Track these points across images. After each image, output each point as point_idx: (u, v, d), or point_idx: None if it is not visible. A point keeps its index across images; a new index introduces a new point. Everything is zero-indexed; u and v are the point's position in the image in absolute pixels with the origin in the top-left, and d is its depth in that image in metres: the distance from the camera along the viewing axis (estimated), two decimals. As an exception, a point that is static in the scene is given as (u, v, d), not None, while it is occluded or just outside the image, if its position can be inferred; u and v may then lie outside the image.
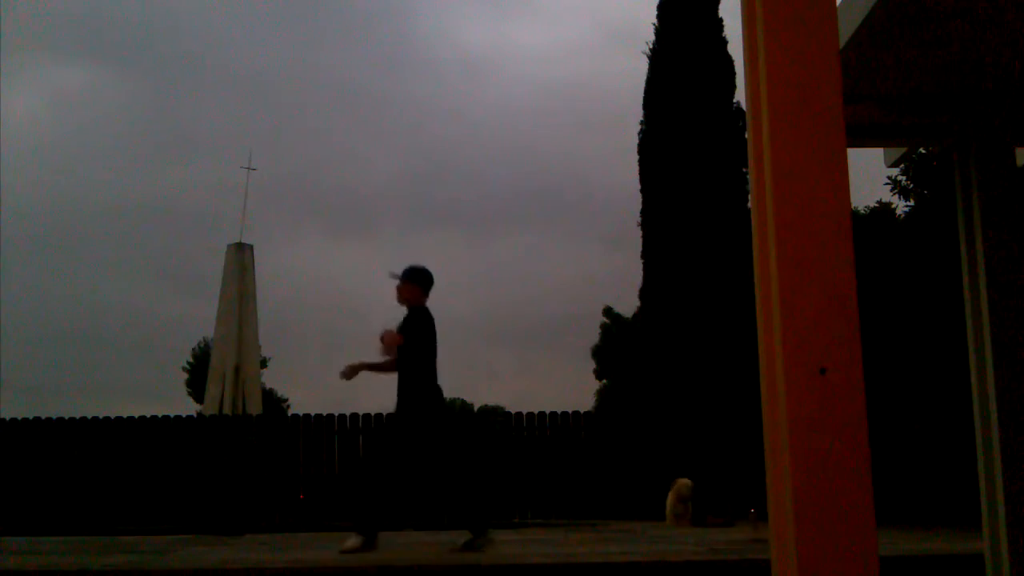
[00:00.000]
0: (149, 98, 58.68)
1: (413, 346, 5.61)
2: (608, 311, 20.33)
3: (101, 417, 12.90)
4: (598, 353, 20.47)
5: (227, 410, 14.76)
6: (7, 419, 12.91)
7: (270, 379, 26.52)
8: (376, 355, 5.72)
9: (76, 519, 11.72)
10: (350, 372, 5.67)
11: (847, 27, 1.73)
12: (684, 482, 9.44)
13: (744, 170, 13.51)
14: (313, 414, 12.81)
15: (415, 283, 5.76)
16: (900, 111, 2.05)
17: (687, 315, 13.15)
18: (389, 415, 5.87)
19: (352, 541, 5.36)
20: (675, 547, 5.79)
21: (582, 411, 13.29)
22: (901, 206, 10.07)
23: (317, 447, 12.71)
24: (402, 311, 5.79)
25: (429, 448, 5.61)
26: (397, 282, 5.77)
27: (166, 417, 13.06)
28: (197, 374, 25.61)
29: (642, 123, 14.63)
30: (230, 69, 65.05)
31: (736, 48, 13.93)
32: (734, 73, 14.33)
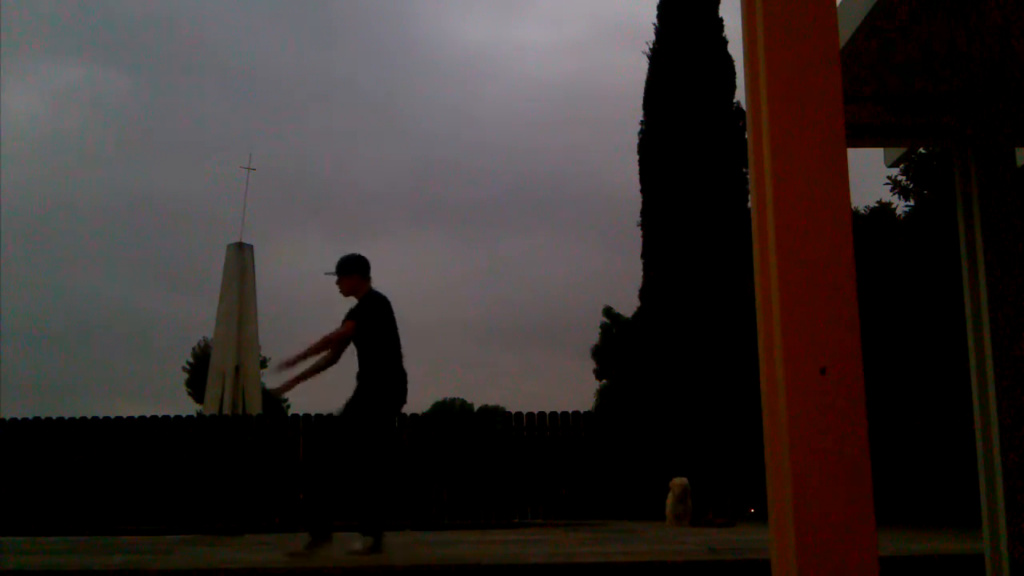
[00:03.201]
0: (149, 97, 58.72)
1: (370, 331, 5.48)
2: (608, 311, 20.32)
3: (101, 417, 12.89)
4: (598, 353, 20.45)
5: (227, 410, 14.74)
6: (7, 419, 12.91)
7: (270, 379, 26.49)
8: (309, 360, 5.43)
9: (76, 519, 11.72)
10: (286, 387, 5.51)
11: (847, 27, 1.73)
12: (680, 481, 9.43)
13: (744, 170, 13.51)
14: (313, 414, 12.82)
15: (351, 273, 5.66)
16: (900, 111, 2.05)
17: (687, 315, 13.15)
18: (349, 403, 5.48)
19: (360, 543, 5.29)
20: (675, 547, 5.79)
21: (582, 411, 13.28)
22: (901, 206, 10.07)
23: (317, 447, 12.70)
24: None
25: (372, 437, 5.46)
26: (335, 279, 5.67)
27: (166, 417, 13.05)
28: (197, 374, 25.57)
29: (642, 123, 14.63)
30: (230, 68, 65.06)
31: (736, 48, 13.93)
32: (734, 73, 14.33)
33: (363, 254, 5.76)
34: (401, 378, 5.57)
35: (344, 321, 5.47)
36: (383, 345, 5.52)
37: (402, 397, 5.62)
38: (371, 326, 5.50)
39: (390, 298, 5.70)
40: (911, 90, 2.02)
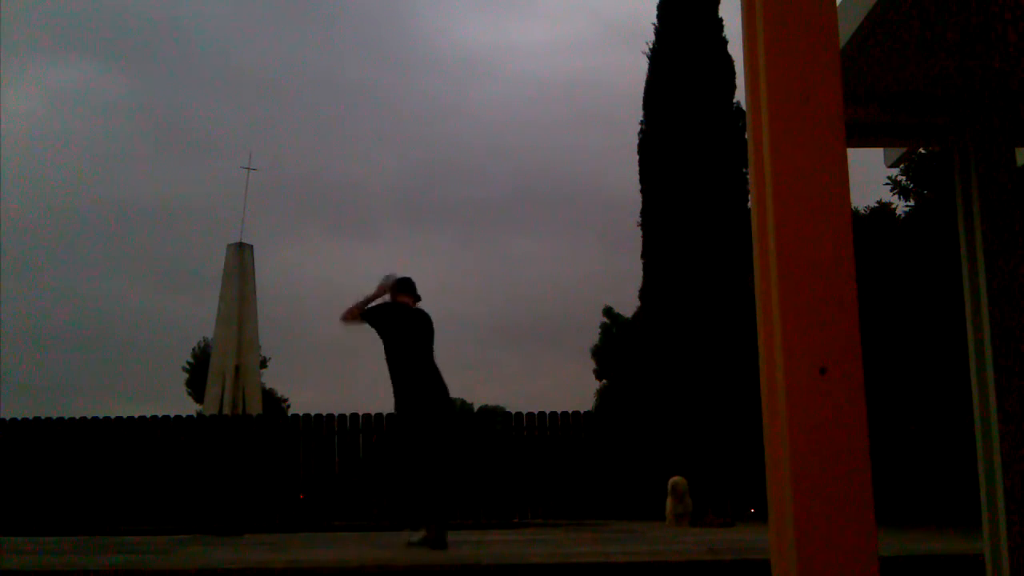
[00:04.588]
0: (149, 97, 58.73)
1: (384, 342, 6.11)
2: (608, 311, 20.32)
3: (101, 417, 12.90)
4: (598, 353, 20.44)
5: (227, 410, 14.74)
6: (7, 419, 12.91)
7: (270, 379, 26.49)
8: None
9: (76, 519, 11.72)
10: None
11: (847, 27, 1.73)
12: (679, 481, 9.42)
13: (744, 170, 13.51)
14: (313, 414, 12.82)
15: (397, 292, 6.35)
16: (900, 111, 2.04)
17: (687, 315, 13.15)
18: (390, 414, 6.26)
19: (417, 534, 5.73)
20: (675, 547, 5.79)
21: (582, 411, 13.29)
22: (901, 206, 10.06)
23: (317, 447, 12.72)
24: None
25: (415, 440, 5.96)
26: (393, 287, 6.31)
27: (166, 417, 13.06)
28: (197, 374, 25.55)
29: (642, 123, 14.63)
30: (230, 68, 65.12)
31: (736, 48, 13.93)
32: (734, 73, 14.34)
33: (409, 276, 6.44)
34: (417, 389, 5.97)
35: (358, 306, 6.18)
36: (394, 357, 6.03)
37: (421, 405, 5.98)
38: (382, 335, 6.07)
39: (430, 315, 6.31)
40: (911, 90, 2.02)
